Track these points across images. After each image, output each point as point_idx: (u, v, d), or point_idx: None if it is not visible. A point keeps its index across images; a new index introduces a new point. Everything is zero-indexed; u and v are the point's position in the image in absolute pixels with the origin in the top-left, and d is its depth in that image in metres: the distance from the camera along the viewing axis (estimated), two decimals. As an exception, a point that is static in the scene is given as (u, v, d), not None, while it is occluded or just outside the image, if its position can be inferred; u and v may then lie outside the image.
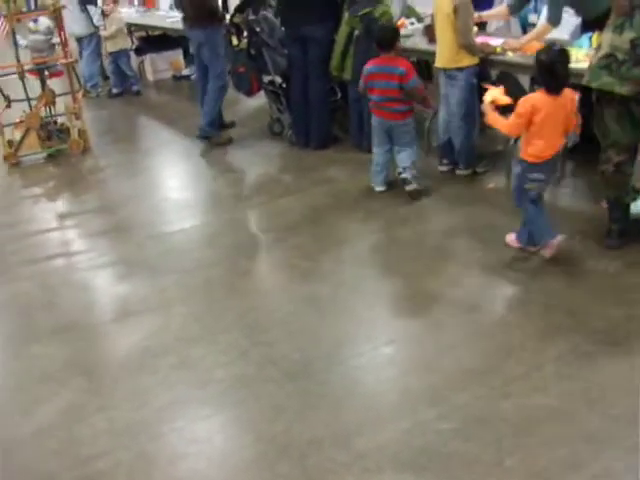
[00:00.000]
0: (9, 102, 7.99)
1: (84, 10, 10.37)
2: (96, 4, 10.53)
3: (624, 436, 3.24)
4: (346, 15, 6.77)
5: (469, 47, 5.74)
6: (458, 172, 6.25)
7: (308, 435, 3.44)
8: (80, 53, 10.95)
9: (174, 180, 7.43)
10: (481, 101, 5.18)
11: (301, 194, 6.29)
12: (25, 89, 7.89)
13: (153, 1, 13.11)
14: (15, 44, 7.80)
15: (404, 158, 5.97)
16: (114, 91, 10.80)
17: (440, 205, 5.78)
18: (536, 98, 4.59)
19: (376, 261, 5.08)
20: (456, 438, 3.34)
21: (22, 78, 7.78)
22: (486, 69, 6.26)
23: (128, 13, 12.20)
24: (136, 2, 13.55)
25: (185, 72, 11.49)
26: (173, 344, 4.30)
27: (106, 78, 11.14)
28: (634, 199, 4.90)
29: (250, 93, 7.83)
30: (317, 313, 4.48)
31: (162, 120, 9.35)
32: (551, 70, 4.52)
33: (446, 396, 3.62)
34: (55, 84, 8.40)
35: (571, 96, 4.62)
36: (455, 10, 5.65)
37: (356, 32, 6.67)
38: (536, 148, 4.64)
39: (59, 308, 4.90)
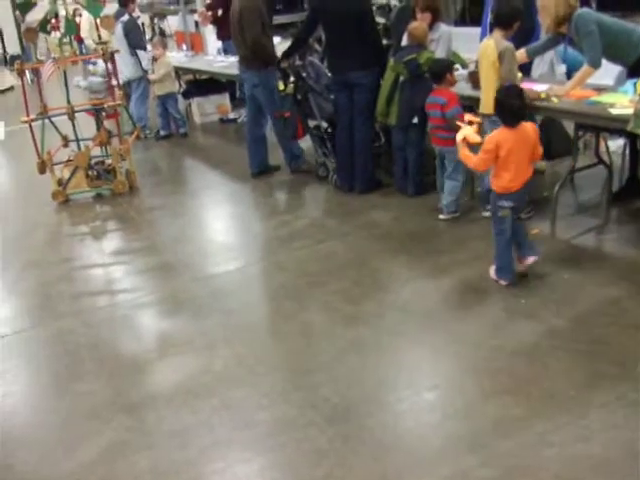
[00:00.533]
0: (67, 142, 8.20)
1: (134, 54, 10.62)
2: (146, 49, 10.77)
3: (670, 489, 3.18)
4: (391, 61, 6.84)
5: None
6: (502, 218, 6.23)
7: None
8: (129, 96, 11.20)
9: (220, 222, 7.51)
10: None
11: (345, 238, 6.31)
12: (75, 129, 8.10)
13: (201, 46, 13.36)
14: (66, 86, 8.00)
15: (447, 190, 6.37)
16: (162, 133, 10.99)
17: (484, 251, 5.74)
18: (499, 135, 4.94)
19: (419, 306, 5.06)
20: (498, 487, 3.31)
21: (72, 119, 8.01)
22: (531, 115, 6.27)
23: (176, 57, 12.44)
24: (184, 47, 13.81)
25: (231, 115, 11.66)
26: (215, 385, 4.32)
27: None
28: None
29: (296, 137, 7.92)
30: (359, 357, 4.48)
31: (208, 162, 9.47)
32: (504, 106, 4.96)
33: (488, 443, 3.59)
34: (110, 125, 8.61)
35: (532, 128, 4.99)
36: (500, 56, 5.69)
37: (401, 78, 6.74)
38: (503, 180, 4.98)
39: (104, 346, 4.96)
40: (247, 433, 3.87)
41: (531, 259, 5.24)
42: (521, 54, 6.28)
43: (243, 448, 3.77)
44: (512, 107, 4.91)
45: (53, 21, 8.84)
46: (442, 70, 6.28)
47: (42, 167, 8.01)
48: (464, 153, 5.09)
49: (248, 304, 5.39)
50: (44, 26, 8.49)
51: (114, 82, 8.45)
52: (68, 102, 7.87)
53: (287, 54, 7.54)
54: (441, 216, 6.44)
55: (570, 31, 5.78)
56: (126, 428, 4.02)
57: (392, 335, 4.70)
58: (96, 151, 8.36)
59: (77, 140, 8.19)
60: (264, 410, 4.03)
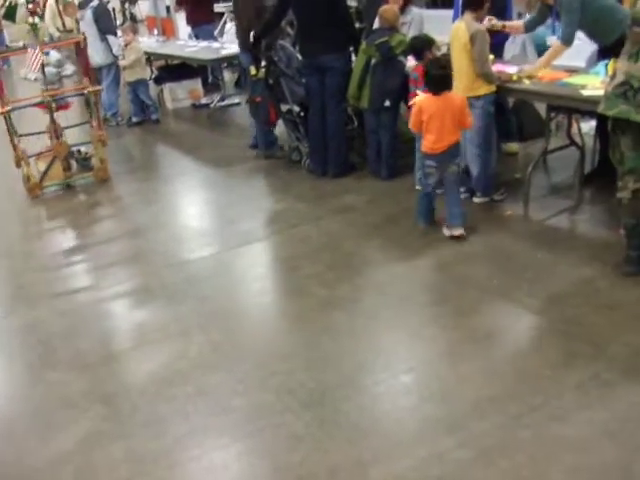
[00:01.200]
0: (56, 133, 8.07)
1: (104, 40, 10.51)
2: (116, 34, 10.66)
3: (644, 466, 3.21)
4: (363, 44, 6.82)
5: (486, 75, 5.77)
6: (475, 200, 6.25)
7: (326, 465, 3.44)
8: (99, 82, 11.10)
9: (193, 208, 7.47)
10: (497, 129, 5.29)
11: (318, 222, 6.30)
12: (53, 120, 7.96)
13: (172, 31, 13.27)
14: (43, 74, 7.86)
15: None
16: (133, 120, 10.90)
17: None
18: (423, 100, 5.61)
19: (394, 289, 5.06)
20: (474, 467, 3.32)
21: (51, 109, 7.91)
22: (503, 97, 6.29)
23: (147, 43, 12.36)
24: (156, 32, 13.71)
25: (204, 101, 11.58)
26: (191, 372, 4.31)
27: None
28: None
29: (268, 122, 7.88)
30: (334, 341, 4.48)
31: (181, 148, 9.41)
32: (430, 75, 5.53)
33: (465, 425, 3.61)
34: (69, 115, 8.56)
35: (458, 97, 5.58)
36: (471, 39, 5.69)
37: (373, 61, 6.72)
38: (428, 141, 5.61)
39: (78, 336, 4.92)
40: (223, 419, 3.86)
41: (457, 231, 5.61)
42: (518, 25, 6.31)
43: (219, 434, 3.77)
44: (435, 76, 5.49)
45: (30, 6, 8.66)
46: (422, 46, 6.29)
47: (18, 161, 7.84)
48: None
49: (222, 290, 5.37)
50: (10, 14, 8.28)
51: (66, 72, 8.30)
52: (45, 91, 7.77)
53: (259, 37, 7.49)
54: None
55: (556, 2, 5.77)
56: (102, 417, 4.00)
57: (367, 319, 4.70)
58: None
59: (56, 131, 8.00)
60: (240, 396, 4.02)
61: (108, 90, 10.88)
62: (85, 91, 8.09)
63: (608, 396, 3.71)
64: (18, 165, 7.83)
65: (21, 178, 7.94)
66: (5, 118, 7.63)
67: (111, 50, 10.57)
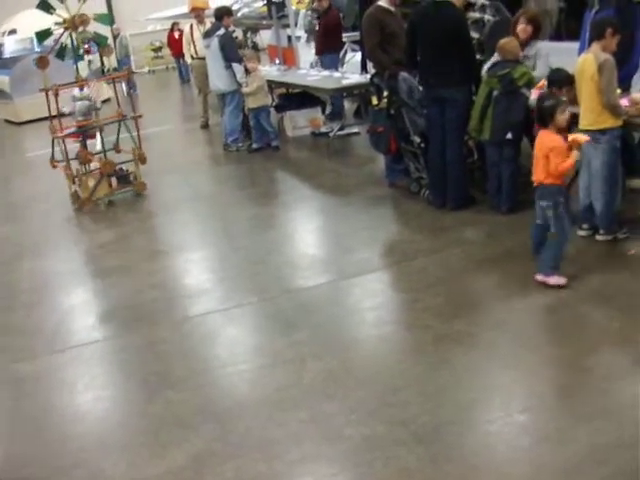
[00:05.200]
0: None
1: (228, 67, 10.78)
2: (241, 62, 10.91)
3: None
4: (485, 76, 6.77)
5: (613, 107, 5.62)
6: (598, 237, 6.06)
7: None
8: (222, 109, 11.40)
9: (310, 235, 7.54)
10: (624, 165, 5.15)
11: (436, 254, 6.25)
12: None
13: (293, 60, 13.47)
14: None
15: None
16: (254, 146, 11.09)
17: (578, 271, 5.61)
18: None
19: (512, 326, 4.96)
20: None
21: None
22: (629, 131, 6.12)
23: (269, 71, 12.57)
24: (277, 61, 13.96)
25: (323, 129, 11.67)
26: (304, 398, 4.33)
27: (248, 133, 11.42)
28: None
29: (388, 152, 7.90)
30: (450, 376, 4.42)
31: (300, 175, 9.54)
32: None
33: (582, 470, 3.50)
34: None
35: (550, 138, 5.30)
36: (599, 69, 5.56)
37: (495, 93, 6.65)
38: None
39: (194, 356, 5.03)
40: (334, 448, 3.87)
41: (550, 279, 5.37)
42: None
43: (330, 463, 3.78)
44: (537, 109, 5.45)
45: (85, 46, 9.29)
46: (560, 80, 6.13)
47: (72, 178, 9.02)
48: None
49: (337, 318, 5.39)
50: (61, 54, 8.93)
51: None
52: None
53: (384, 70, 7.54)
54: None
55: None
56: (214, 437, 4.07)
57: (484, 355, 4.64)
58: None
59: (104, 152, 9.17)
60: (352, 426, 4.01)
61: (230, 116, 11.14)
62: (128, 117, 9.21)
63: None
64: (73, 182, 8.98)
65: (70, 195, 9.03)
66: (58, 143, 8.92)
67: (235, 77, 10.82)
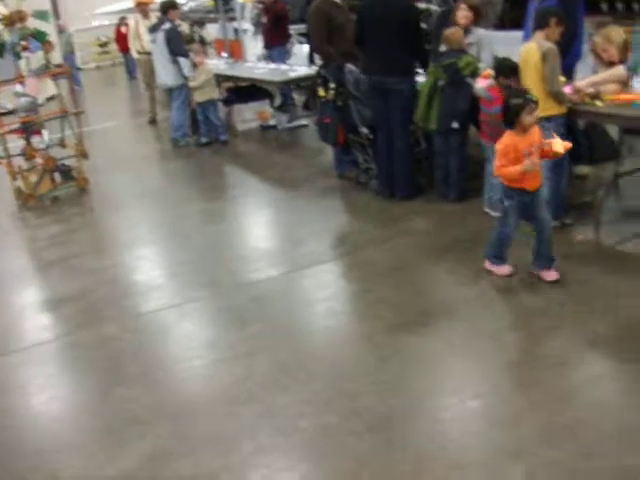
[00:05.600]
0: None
1: (175, 61, 10.70)
2: (187, 56, 10.83)
3: None
4: (431, 65, 6.81)
5: (557, 95, 5.69)
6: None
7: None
8: (169, 104, 11.33)
9: (260, 228, 7.53)
10: (570, 152, 5.21)
11: (386, 244, 6.28)
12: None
13: (240, 53, 13.43)
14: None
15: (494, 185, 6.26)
16: (202, 140, 11.04)
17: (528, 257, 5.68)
18: None
19: (464, 314, 5.02)
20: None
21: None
22: (573, 119, 6.20)
23: (216, 65, 12.51)
24: (224, 54, 13.89)
25: (272, 122, 11.66)
26: (258, 392, 4.32)
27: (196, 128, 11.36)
28: None
29: (336, 144, 7.92)
30: (403, 365, 4.45)
31: (249, 169, 9.52)
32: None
33: (535, 452, 3.55)
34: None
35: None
36: (543, 57, 5.63)
37: (440, 82, 6.70)
38: None
39: (147, 352, 5.00)
40: (290, 440, 3.87)
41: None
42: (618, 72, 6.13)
43: (286, 455, 3.78)
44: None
45: (23, 43, 9.23)
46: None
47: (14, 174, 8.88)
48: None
49: (290, 311, 5.40)
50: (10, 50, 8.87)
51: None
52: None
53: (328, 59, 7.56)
54: (487, 210, 6.52)
55: None
56: (169, 434, 4.04)
57: (437, 343, 4.68)
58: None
59: (48, 148, 9.05)
60: (307, 417, 4.02)
61: (178, 111, 11.08)
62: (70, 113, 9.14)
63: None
64: (14, 178, 8.87)
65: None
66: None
67: (181, 71, 10.75)
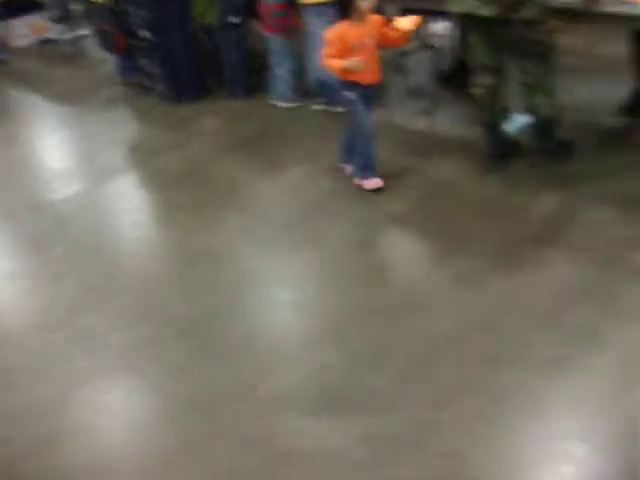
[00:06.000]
0: None
1: None
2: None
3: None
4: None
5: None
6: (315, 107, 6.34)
7: (212, 390, 3.48)
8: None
9: (49, 148, 7.19)
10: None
11: (180, 148, 6.20)
12: None
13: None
14: None
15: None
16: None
17: (320, 146, 5.75)
18: None
19: (257, 208, 5.09)
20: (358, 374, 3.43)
21: None
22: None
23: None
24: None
25: (52, 35, 11.00)
26: (67, 316, 4.24)
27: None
28: (505, 118, 4.99)
29: (116, 51, 7.64)
30: (210, 268, 4.48)
31: (30, 87, 9.03)
32: None
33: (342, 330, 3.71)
34: None
35: None
36: None
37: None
38: None
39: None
40: (106, 358, 3.83)
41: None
42: None
43: (104, 374, 3.73)
44: None
45: None
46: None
47: None
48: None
49: (91, 228, 5.25)
50: None
51: None
52: None
53: None
54: (274, 102, 6.58)
55: None
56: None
57: (240, 240, 4.73)
58: None
59: None
60: (117, 332, 4.00)
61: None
62: None
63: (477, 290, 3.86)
64: None
65: None
66: None
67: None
